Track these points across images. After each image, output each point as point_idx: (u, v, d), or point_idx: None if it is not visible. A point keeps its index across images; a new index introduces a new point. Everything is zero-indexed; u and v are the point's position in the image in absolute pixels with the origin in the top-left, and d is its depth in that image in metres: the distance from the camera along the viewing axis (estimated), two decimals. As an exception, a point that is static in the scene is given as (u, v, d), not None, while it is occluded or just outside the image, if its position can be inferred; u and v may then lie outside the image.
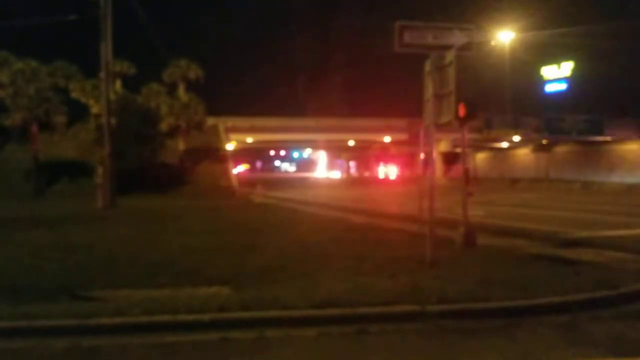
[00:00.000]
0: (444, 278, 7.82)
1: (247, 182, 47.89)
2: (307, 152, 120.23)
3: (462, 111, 10.35)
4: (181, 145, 39.98)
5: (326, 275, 8.27)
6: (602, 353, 5.47)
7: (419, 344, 5.74)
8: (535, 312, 6.59)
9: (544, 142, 57.27)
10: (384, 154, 76.52)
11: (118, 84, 36.65)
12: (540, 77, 63.59)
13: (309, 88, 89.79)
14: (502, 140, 58.29)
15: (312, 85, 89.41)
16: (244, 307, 6.35)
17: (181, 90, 40.56)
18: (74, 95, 36.59)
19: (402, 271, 8.37)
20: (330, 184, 65.94)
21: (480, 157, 68.51)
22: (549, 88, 63.40)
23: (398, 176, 70.63)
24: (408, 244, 10.99)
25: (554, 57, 61.08)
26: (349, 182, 71.40)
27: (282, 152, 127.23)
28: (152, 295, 7.14)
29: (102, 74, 24.89)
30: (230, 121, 47.94)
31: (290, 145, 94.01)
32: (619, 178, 48.92)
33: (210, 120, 43.04)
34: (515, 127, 51.14)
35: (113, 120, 24.86)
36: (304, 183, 66.15)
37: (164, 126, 37.76)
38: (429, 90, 9.13)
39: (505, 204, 25.83)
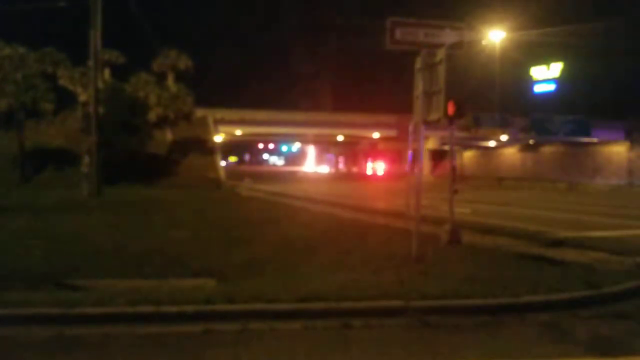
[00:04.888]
0: (429, 274, 7.88)
1: (234, 174, 47.77)
2: (295, 146, 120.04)
3: (451, 109, 10.38)
4: (169, 136, 39.75)
5: (312, 269, 8.29)
6: (582, 352, 5.54)
7: (402, 339, 5.78)
8: (518, 310, 6.65)
9: (531, 142, 57.58)
10: (373, 150, 76.54)
11: (107, 73, 36.33)
12: (530, 77, 63.95)
13: (299, 82, 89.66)
14: (489, 139, 58.53)
15: (303, 80, 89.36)
16: (228, 300, 6.36)
17: (170, 81, 40.29)
18: (62, 82, 36.20)
19: (387, 267, 8.41)
20: (318, 179, 65.95)
21: (468, 155, 68.79)
22: (538, 88, 63.80)
23: (386, 172, 70.69)
24: (394, 240, 11.02)
25: (544, 58, 61.44)
26: (337, 177, 71.46)
27: (271, 146, 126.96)
28: (137, 285, 7.12)
29: (90, 62, 24.66)
30: (219, 113, 47.71)
31: (279, 139, 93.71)
32: (603, 180, 49.42)
33: (199, 112, 42.81)
34: (503, 127, 51.35)
35: (101, 109, 24.64)
36: (292, 177, 66.15)
37: (152, 116, 37.48)
38: (419, 87, 9.15)
39: (491, 202, 25.96)
